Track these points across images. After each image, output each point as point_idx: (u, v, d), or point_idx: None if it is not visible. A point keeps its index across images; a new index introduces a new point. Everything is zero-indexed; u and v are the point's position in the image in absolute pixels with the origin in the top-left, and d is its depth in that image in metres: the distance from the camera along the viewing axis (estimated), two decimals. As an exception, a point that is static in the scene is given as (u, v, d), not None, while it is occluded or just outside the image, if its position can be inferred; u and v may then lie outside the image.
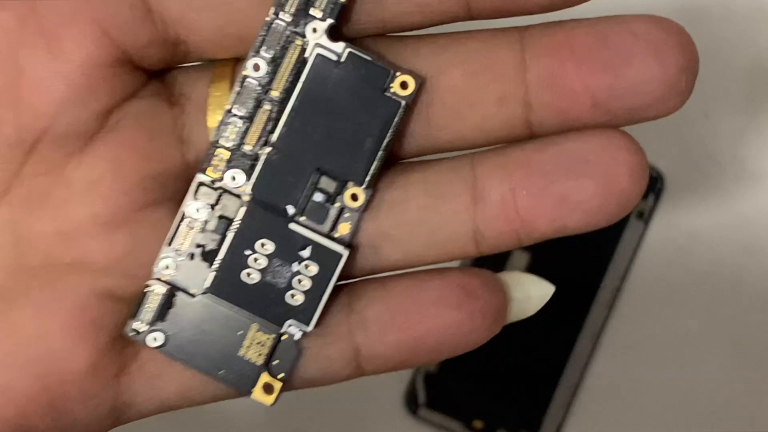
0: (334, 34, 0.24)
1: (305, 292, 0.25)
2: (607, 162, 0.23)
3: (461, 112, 0.24)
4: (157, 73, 0.25)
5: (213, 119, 0.25)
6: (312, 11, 0.24)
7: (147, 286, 0.24)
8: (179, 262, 0.25)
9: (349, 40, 0.24)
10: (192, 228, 0.24)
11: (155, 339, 0.25)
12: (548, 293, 0.25)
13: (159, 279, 0.24)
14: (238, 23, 0.24)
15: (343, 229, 0.25)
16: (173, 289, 0.25)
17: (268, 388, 0.25)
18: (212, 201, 0.24)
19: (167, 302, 0.25)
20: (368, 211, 0.25)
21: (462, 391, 0.45)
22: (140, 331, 0.25)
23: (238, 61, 0.25)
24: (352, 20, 0.24)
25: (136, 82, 0.25)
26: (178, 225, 0.24)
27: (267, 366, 0.25)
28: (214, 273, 0.25)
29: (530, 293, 0.25)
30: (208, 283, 0.25)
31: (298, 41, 0.24)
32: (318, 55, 0.24)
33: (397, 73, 0.24)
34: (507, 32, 0.24)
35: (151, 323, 0.25)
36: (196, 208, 0.24)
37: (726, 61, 0.45)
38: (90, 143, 0.24)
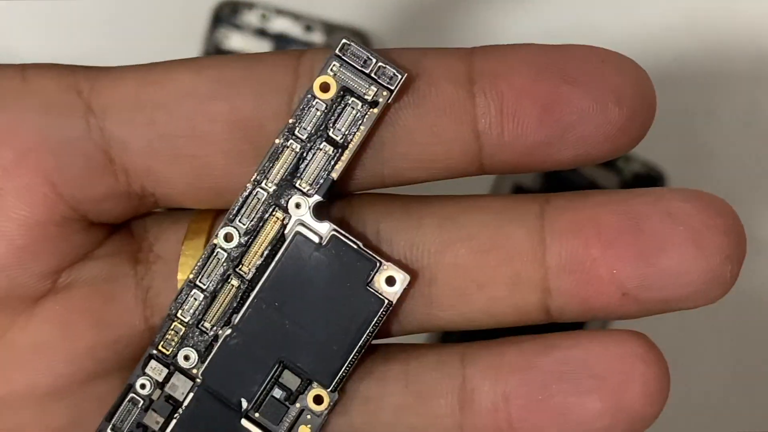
0: (319, 210, 0.21)
1: None
2: (619, 378, 0.20)
3: (468, 294, 0.21)
4: (123, 223, 0.22)
5: (182, 283, 0.22)
6: (298, 183, 0.21)
7: None
8: None
9: (343, 196, 0.21)
10: (136, 405, 0.21)
11: None
12: None
13: None
14: (213, 178, 0.21)
15: (303, 431, 0.21)
16: None
17: None
18: (161, 378, 0.21)
19: None
20: (339, 404, 0.21)
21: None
22: None
23: (219, 213, 0.22)
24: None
25: (91, 239, 0.22)
26: (122, 399, 0.21)
27: None
28: None
29: None
30: None
31: (279, 214, 0.21)
32: (298, 233, 0.21)
33: (384, 267, 0.21)
34: (526, 202, 0.21)
35: None
36: (142, 383, 0.21)
37: (729, 58, 0.44)
38: (40, 303, 0.21)
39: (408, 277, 0.21)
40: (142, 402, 0.21)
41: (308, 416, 0.21)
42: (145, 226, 0.22)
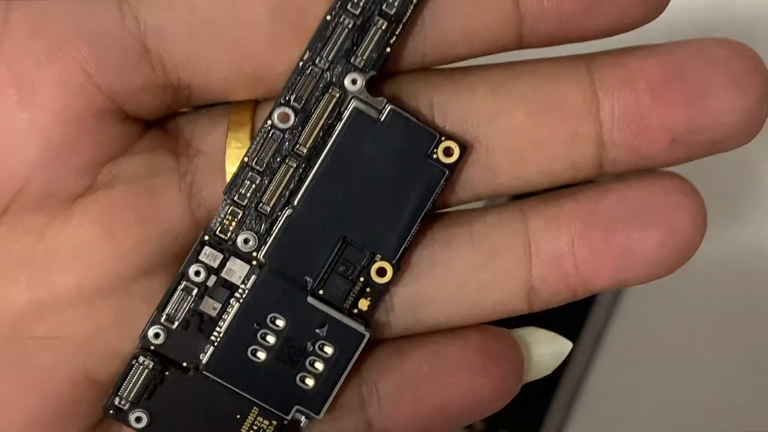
0: (373, 86, 0.21)
1: (317, 376, 0.21)
2: (671, 210, 0.21)
3: (525, 156, 0.21)
4: (156, 121, 0.22)
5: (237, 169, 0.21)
6: (352, 59, 0.21)
7: (133, 357, 0.21)
8: (172, 330, 0.21)
9: (387, 76, 0.21)
10: (190, 293, 0.21)
11: (138, 420, 0.21)
12: (564, 351, 0.23)
13: (147, 349, 0.21)
14: (254, 63, 0.21)
15: (363, 304, 0.21)
16: (163, 363, 0.21)
17: None
18: (216, 264, 0.21)
19: (155, 377, 0.21)
20: (407, 272, 0.22)
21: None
22: (122, 409, 0.21)
23: (258, 103, 0.22)
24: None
25: (129, 133, 0.21)
26: (175, 288, 0.21)
27: None
28: (213, 348, 0.21)
29: (546, 351, 0.23)
30: (205, 359, 0.21)
31: (334, 92, 0.21)
32: (356, 109, 0.21)
33: (442, 138, 0.21)
34: (573, 62, 0.21)
35: (135, 401, 0.21)
36: (196, 270, 0.21)
37: None
38: (77, 203, 0.21)
39: (465, 146, 0.21)
40: (196, 289, 0.21)
41: (369, 290, 0.21)
42: (178, 125, 0.22)
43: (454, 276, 0.22)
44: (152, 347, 0.21)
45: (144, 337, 0.21)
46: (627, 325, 0.43)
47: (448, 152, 0.21)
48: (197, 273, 0.21)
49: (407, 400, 0.22)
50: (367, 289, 0.21)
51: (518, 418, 0.43)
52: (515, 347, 0.22)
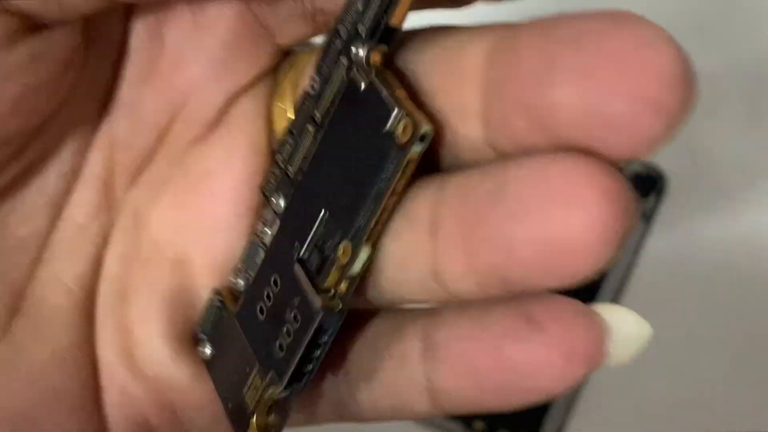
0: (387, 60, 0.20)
1: (287, 347, 0.21)
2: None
3: None
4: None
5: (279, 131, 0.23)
6: (359, 28, 0.20)
7: (216, 293, 0.23)
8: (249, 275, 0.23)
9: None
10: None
11: (206, 351, 0.23)
12: (646, 335, 0.20)
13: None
14: None
15: (332, 282, 0.21)
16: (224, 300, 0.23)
17: None
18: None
19: (219, 313, 0.23)
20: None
21: (462, 391, 0.44)
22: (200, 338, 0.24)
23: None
24: None
25: (272, 57, 0.23)
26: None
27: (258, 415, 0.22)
28: (243, 298, 0.23)
29: (628, 335, 0.20)
30: (237, 308, 0.23)
31: (344, 61, 0.21)
32: (350, 80, 0.20)
33: (402, 114, 0.19)
34: None
35: (209, 332, 0.23)
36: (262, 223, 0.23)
37: (727, 59, 0.45)
38: (212, 130, 0.23)
39: (422, 129, 0.19)
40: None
41: (337, 268, 0.21)
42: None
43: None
44: (234, 287, 0.23)
45: (230, 276, 0.23)
46: (627, 325, 0.44)
47: (406, 131, 0.19)
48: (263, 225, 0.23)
49: (458, 358, 0.21)
50: (337, 269, 0.20)
51: (518, 418, 0.43)
52: (585, 314, 0.20)
